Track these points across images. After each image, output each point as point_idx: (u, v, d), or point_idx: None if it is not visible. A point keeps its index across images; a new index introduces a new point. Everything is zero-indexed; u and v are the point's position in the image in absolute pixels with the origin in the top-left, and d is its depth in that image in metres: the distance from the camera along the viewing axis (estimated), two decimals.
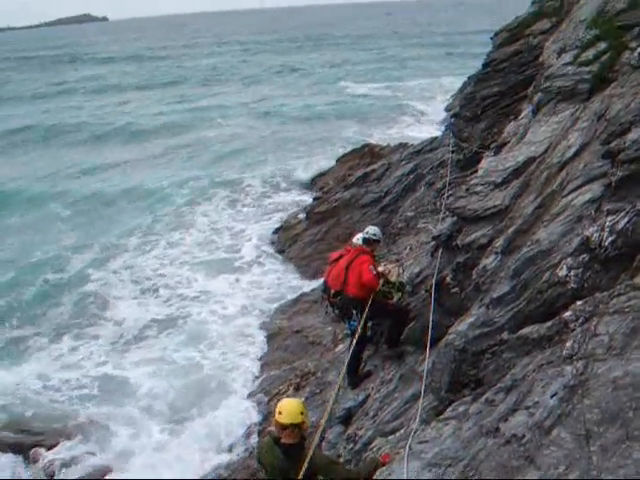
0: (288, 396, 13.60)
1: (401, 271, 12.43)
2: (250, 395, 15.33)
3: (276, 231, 26.11)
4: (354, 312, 11.12)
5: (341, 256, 11.54)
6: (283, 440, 6.75)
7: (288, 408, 6.79)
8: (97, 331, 19.58)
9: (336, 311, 11.80)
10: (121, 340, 18.95)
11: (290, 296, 20.26)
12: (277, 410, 6.82)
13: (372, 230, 11.90)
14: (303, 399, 12.70)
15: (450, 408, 7.07)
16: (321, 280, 13.54)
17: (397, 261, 12.60)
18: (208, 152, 42.94)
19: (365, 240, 11.74)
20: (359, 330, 10.80)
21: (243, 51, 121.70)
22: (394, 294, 11.92)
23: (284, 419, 6.69)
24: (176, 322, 19.71)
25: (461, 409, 6.71)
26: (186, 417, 14.91)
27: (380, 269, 11.71)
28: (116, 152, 44.61)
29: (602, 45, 10.82)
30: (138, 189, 34.68)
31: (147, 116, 57.76)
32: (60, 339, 19.18)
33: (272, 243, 25.35)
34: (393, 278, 12.11)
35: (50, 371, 17.23)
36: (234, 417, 14.54)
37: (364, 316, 10.78)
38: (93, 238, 27.41)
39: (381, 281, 11.51)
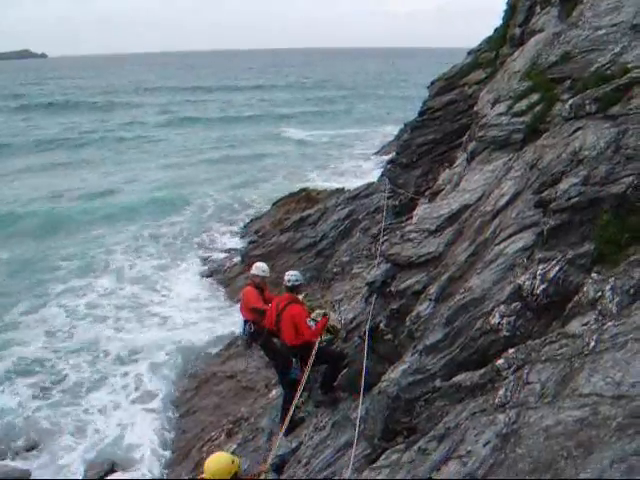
0: (220, 443, 13.37)
1: (335, 315, 12.29)
2: (179, 441, 15.00)
3: (210, 274, 25.90)
4: (294, 361, 11.03)
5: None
6: None
7: (215, 463, 6.81)
8: None
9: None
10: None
11: (223, 340, 19.93)
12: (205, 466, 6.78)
13: (293, 277, 11.41)
14: (235, 445, 12.54)
15: (383, 456, 7.00)
16: None
17: (332, 305, 12.46)
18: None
19: (290, 288, 11.41)
20: (289, 376, 10.78)
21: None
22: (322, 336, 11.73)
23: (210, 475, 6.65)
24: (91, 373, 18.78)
25: (394, 457, 6.65)
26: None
27: (313, 315, 11.56)
28: None
29: (535, 96, 11.06)
30: None
31: None
32: None
33: (203, 285, 25.06)
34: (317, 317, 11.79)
35: None
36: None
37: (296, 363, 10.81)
38: None
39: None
